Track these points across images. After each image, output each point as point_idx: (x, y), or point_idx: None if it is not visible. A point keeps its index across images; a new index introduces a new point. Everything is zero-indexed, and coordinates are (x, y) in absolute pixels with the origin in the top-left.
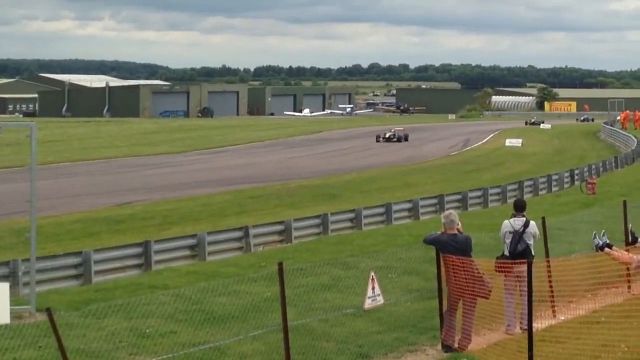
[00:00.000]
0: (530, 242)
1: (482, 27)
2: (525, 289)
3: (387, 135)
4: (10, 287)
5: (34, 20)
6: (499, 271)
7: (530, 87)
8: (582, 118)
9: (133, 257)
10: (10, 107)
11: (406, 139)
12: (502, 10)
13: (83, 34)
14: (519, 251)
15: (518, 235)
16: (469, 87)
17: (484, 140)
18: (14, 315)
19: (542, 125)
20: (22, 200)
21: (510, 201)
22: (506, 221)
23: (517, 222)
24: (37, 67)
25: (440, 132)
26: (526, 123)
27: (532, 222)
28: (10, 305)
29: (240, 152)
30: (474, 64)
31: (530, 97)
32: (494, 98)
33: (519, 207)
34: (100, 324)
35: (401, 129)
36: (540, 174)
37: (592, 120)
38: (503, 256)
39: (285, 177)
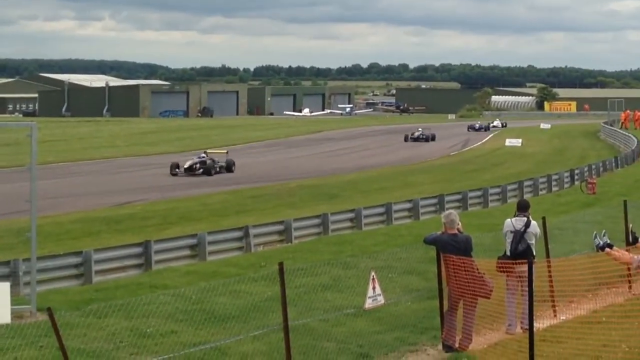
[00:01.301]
0: (532, 241)
1: (481, 27)
2: (527, 289)
3: (188, 165)
4: (11, 286)
5: (34, 20)
6: (501, 271)
7: (530, 87)
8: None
9: (133, 256)
10: (10, 106)
11: (229, 169)
12: (501, 10)
13: (83, 33)
14: (519, 251)
15: (519, 235)
16: (469, 87)
17: (484, 140)
18: (15, 315)
19: (542, 125)
20: (22, 200)
21: (511, 201)
22: (508, 220)
23: (519, 222)
24: (36, 67)
25: (440, 132)
26: (406, 139)
27: (533, 222)
28: (11, 304)
29: (240, 152)
30: (473, 64)
31: (530, 97)
32: (494, 98)
33: (522, 207)
34: (101, 323)
35: (224, 151)
36: (540, 173)
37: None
38: (505, 256)
39: (285, 176)
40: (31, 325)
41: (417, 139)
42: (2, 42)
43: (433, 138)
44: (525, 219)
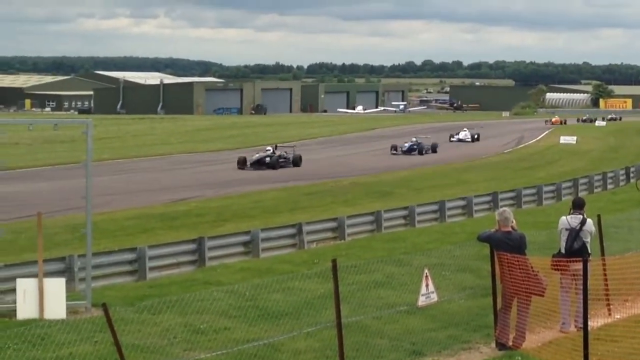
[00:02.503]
0: (587, 239)
1: (536, 23)
2: (581, 287)
3: None
4: (67, 282)
5: (90, 18)
6: (555, 269)
7: (585, 84)
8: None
9: (187, 253)
10: (66, 104)
11: None
12: (556, 6)
13: (138, 31)
14: (575, 249)
15: (575, 233)
16: (523, 84)
17: (538, 138)
18: (70, 310)
19: (596, 123)
20: (78, 196)
21: (565, 199)
22: (563, 218)
23: (574, 220)
24: (92, 64)
25: (494, 130)
26: (240, 163)
27: (589, 220)
28: (67, 300)
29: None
30: (528, 61)
31: (585, 94)
32: (548, 95)
33: (578, 205)
34: (155, 319)
35: None
36: (596, 171)
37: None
38: (559, 254)
39: (338, 174)
40: (86, 320)
41: (257, 163)
42: (60, 39)
43: (295, 162)
44: (581, 216)
